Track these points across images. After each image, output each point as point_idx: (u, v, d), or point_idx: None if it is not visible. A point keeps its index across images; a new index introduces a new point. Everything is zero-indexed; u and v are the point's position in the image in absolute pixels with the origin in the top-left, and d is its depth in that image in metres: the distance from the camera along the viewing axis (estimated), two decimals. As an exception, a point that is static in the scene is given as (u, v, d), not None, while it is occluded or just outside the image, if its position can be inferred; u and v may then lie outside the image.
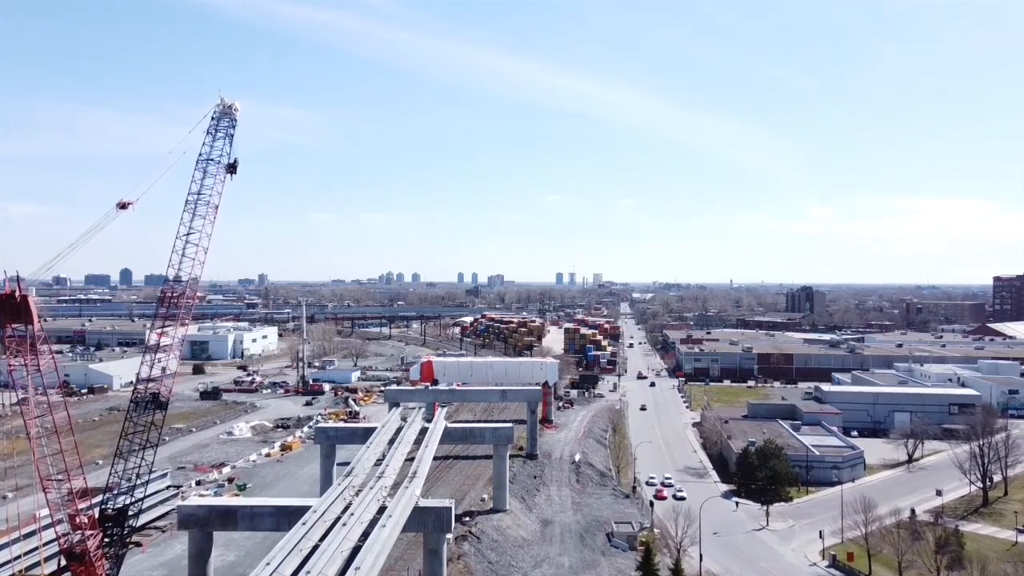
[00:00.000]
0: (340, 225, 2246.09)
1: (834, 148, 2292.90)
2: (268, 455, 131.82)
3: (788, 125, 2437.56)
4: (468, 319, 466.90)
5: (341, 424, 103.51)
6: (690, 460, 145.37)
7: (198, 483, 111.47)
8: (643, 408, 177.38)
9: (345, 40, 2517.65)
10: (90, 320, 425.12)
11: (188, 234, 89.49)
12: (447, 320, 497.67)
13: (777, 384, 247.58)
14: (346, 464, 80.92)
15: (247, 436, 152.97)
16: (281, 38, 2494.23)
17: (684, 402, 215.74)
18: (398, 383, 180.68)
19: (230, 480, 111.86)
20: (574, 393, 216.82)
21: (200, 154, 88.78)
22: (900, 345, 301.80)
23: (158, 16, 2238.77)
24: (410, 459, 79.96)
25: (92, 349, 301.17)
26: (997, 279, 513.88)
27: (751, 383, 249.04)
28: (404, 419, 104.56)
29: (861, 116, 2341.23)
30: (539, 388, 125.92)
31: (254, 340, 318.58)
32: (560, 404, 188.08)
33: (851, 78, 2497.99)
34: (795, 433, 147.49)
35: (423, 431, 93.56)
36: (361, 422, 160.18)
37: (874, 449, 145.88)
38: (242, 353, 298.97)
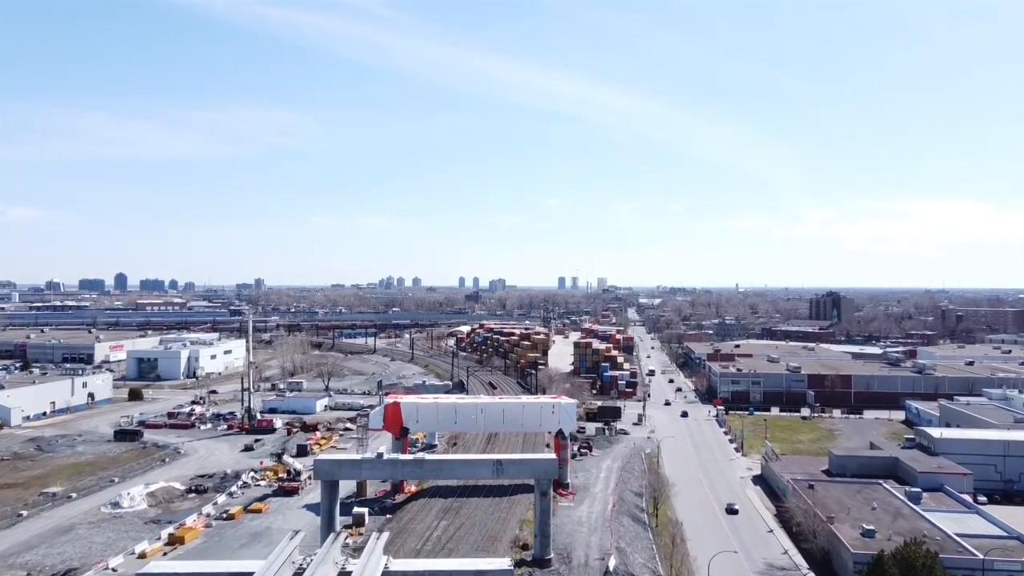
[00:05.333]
0: (340, 229, 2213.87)
1: (831, 150, 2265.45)
2: (142, 555, 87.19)
3: (785, 128, 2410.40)
4: (465, 328, 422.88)
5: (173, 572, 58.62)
6: (769, 549, 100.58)
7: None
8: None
9: (338, 44, 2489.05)
10: (42, 330, 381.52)
11: None
12: (443, 329, 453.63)
13: (837, 414, 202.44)
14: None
15: (140, 508, 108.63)
16: (275, 42, 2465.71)
17: (729, 440, 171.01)
18: (363, 431, 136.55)
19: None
20: (591, 428, 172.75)
21: None
22: (971, 363, 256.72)
23: (154, 22, 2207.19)
24: None
25: (8, 369, 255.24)
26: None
27: (805, 413, 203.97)
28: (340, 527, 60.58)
29: (858, 118, 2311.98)
30: (552, 458, 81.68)
31: (213, 356, 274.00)
32: (577, 448, 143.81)
33: (847, 81, 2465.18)
34: (915, 507, 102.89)
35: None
36: (302, 486, 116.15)
37: (1017, 524, 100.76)
38: (194, 372, 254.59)
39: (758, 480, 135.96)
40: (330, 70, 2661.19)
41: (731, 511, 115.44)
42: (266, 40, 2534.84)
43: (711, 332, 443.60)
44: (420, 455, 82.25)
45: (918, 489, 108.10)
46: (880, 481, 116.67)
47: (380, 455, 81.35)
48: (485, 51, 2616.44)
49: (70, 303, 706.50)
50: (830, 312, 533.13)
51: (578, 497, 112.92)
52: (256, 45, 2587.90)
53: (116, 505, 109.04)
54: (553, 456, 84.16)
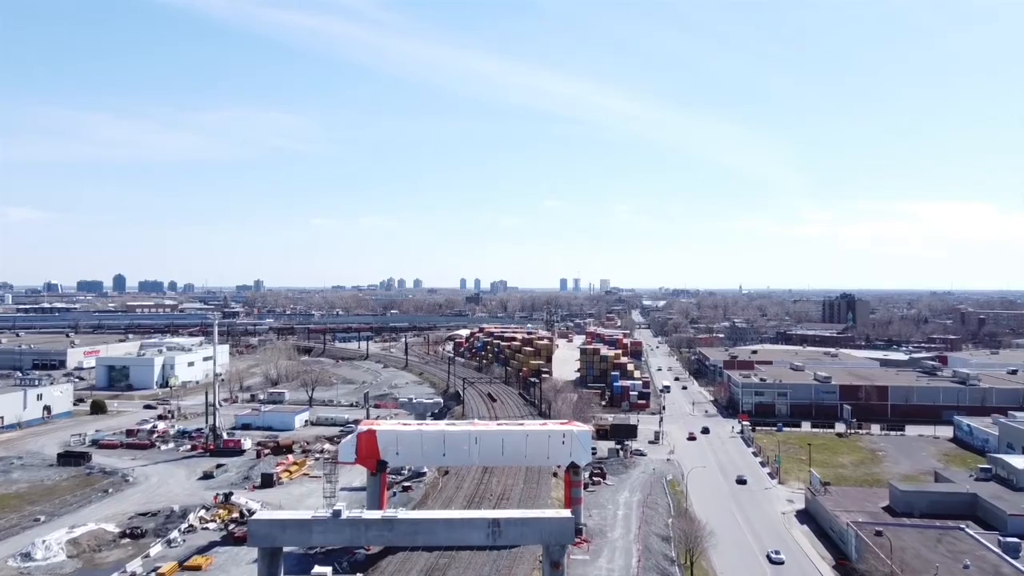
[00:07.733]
0: (340, 230, 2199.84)
1: (832, 152, 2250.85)
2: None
3: (785, 129, 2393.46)
4: (464, 332, 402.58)
5: None
6: (836, 618, 79.93)
7: None
8: None
9: (338, 46, 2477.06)
10: (16, 335, 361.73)
11: None
12: (442, 332, 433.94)
13: (875, 430, 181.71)
14: None
15: (56, 561, 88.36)
16: (275, 44, 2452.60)
17: (761, 463, 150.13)
18: (332, 466, 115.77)
19: None
20: (603, 448, 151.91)
21: None
22: (1014, 371, 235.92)
23: (154, 24, 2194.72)
24: None
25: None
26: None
27: (840, 429, 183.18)
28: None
29: (858, 120, 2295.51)
30: (567, 518, 61.42)
31: (191, 364, 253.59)
32: (588, 475, 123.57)
33: (847, 82, 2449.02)
34: (1016, 562, 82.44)
35: None
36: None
37: None
38: (167, 381, 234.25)
39: (803, 517, 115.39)
40: (330, 72, 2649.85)
41: (775, 561, 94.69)
42: (266, 42, 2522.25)
43: (722, 336, 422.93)
44: (391, 513, 61.83)
45: (1016, 539, 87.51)
46: (961, 525, 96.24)
47: (337, 513, 61.07)
48: (485, 52, 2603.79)
49: (59, 305, 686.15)
50: (844, 315, 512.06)
51: (594, 546, 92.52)
52: (256, 47, 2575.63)
53: (27, 557, 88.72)
54: (568, 515, 63.60)
